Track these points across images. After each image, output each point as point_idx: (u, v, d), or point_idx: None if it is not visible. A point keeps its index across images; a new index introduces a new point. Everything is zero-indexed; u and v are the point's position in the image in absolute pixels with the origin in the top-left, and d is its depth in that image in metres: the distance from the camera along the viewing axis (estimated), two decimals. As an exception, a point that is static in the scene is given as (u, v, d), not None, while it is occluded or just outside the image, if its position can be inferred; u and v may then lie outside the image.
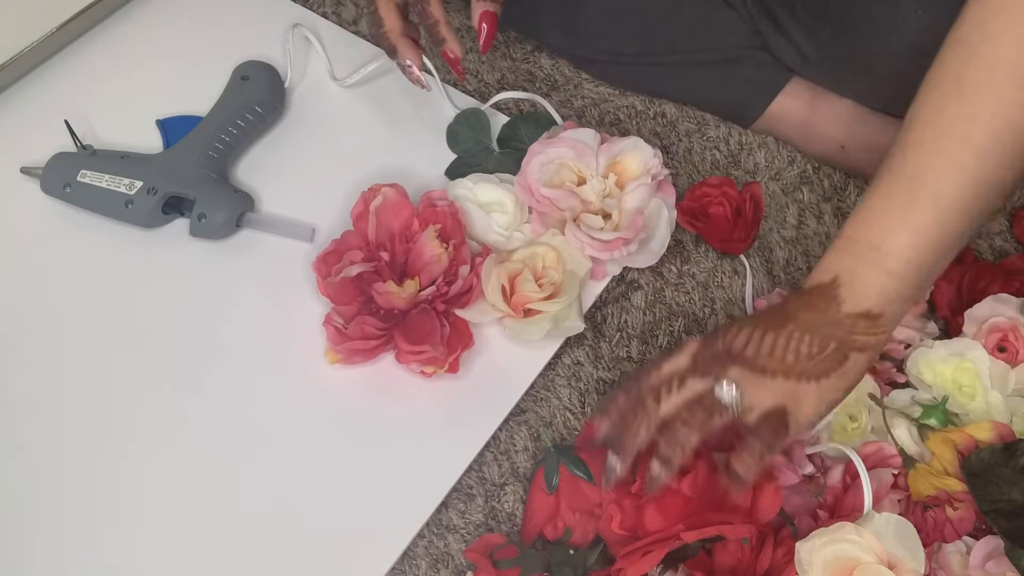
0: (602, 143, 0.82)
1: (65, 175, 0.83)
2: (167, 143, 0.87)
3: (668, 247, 0.84)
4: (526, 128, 0.88)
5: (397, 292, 0.73)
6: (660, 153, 0.81)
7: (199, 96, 0.89)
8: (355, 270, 0.75)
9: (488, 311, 0.77)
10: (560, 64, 0.97)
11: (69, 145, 0.86)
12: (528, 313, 0.77)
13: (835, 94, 0.87)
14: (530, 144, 0.83)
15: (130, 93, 0.92)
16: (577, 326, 0.77)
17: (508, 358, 0.78)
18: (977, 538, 0.68)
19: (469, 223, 0.81)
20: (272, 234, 0.83)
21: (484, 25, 0.76)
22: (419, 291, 0.75)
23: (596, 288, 0.82)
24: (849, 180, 0.89)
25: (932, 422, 0.72)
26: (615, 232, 0.78)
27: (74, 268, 0.82)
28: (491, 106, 0.91)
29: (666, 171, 0.82)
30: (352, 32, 0.98)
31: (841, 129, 0.86)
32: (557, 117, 0.89)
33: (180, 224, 0.84)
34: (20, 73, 0.92)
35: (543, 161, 0.81)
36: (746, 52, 0.89)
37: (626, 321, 0.82)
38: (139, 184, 0.81)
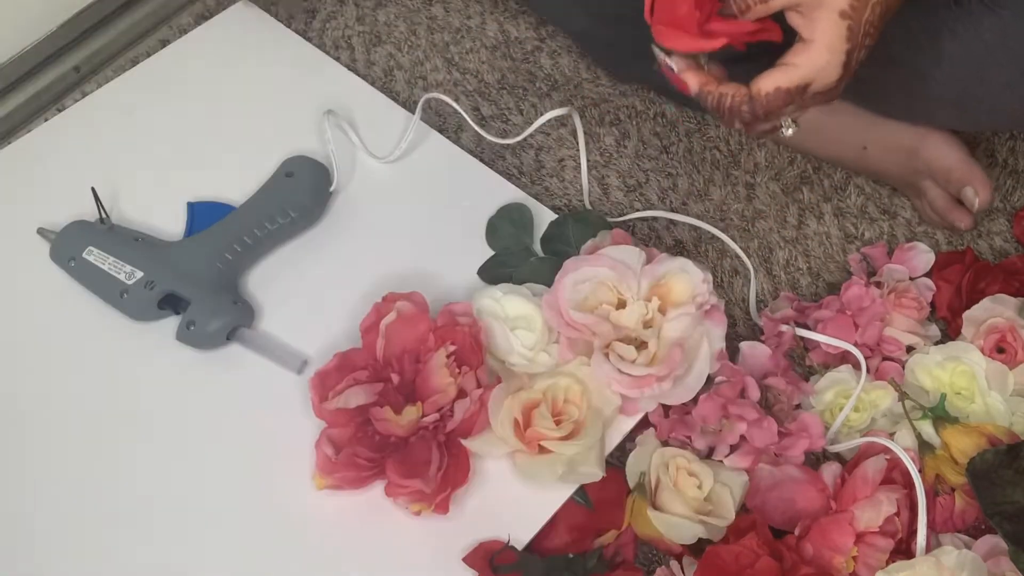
0: (647, 262, 0.74)
1: (73, 248, 0.80)
2: (190, 230, 0.83)
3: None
4: (575, 228, 0.81)
5: (395, 420, 0.68)
6: (710, 278, 0.74)
7: (241, 178, 0.85)
8: (354, 401, 0.68)
9: (497, 444, 0.70)
10: (560, 64, 0.97)
11: (92, 208, 0.82)
12: (543, 450, 0.70)
13: None
14: (575, 247, 0.78)
15: (167, 162, 0.88)
16: (594, 474, 0.69)
17: (510, 501, 0.71)
18: (976, 537, 0.68)
19: (491, 340, 0.74)
20: (260, 356, 0.77)
21: None
22: (420, 418, 0.69)
23: (625, 425, 0.73)
24: (849, 180, 0.89)
25: (929, 427, 0.72)
26: (647, 368, 0.70)
27: (67, 345, 0.78)
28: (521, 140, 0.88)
29: (715, 299, 0.74)
30: (391, 98, 0.93)
31: (861, 130, 0.86)
32: (580, 133, 0.86)
33: (176, 321, 0.78)
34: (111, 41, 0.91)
35: (577, 280, 0.73)
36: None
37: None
38: (139, 275, 0.77)
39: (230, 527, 0.70)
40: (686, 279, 0.73)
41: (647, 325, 0.72)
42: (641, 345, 0.72)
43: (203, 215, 0.83)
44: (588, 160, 0.91)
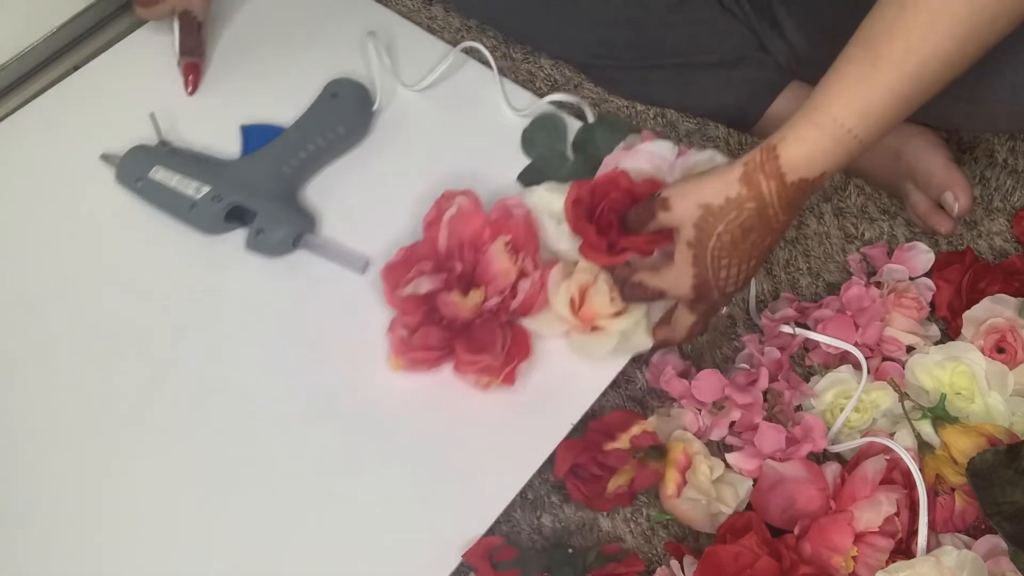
0: (678, 156, 0.79)
1: (139, 169, 0.83)
2: (246, 149, 0.87)
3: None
4: (602, 134, 0.85)
5: (462, 303, 0.73)
6: None
7: (287, 102, 0.89)
8: (424, 287, 0.73)
9: (554, 323, 0.76)
10: (560, 64, 0.97)
11: (151, 134, 0.86)
12: (596, 328, 0.75)
13: None
14: (604, 151, 0.81)
15: (219, 90, 0.92)
16: (645, 343, 0.75)
17: (569, 374, 0.76)
18: (976, 537, 0.69)
19: (541, 231, 0.78)
20: (325, 259, 0.82)
21: (190, 76, 0.90)
22: (484, 301, 0.74)
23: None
24: (849, 180, 0.89)
25: (928, 427, 0.73)
26: None
27: (139, 262, 0.83)
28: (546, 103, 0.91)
29: None
30: (426, 30, 0.98)
31: None
32: (589, 113, 0.89)
33: (241, 234, 0.83)
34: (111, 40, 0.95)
35: None
36: (745, 54, 0.89)
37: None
38: (206, 189, 0.82)
39: (313, 417, 0.75)
40: None
41: None
42: None
43: (255, 137, 0.87)
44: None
